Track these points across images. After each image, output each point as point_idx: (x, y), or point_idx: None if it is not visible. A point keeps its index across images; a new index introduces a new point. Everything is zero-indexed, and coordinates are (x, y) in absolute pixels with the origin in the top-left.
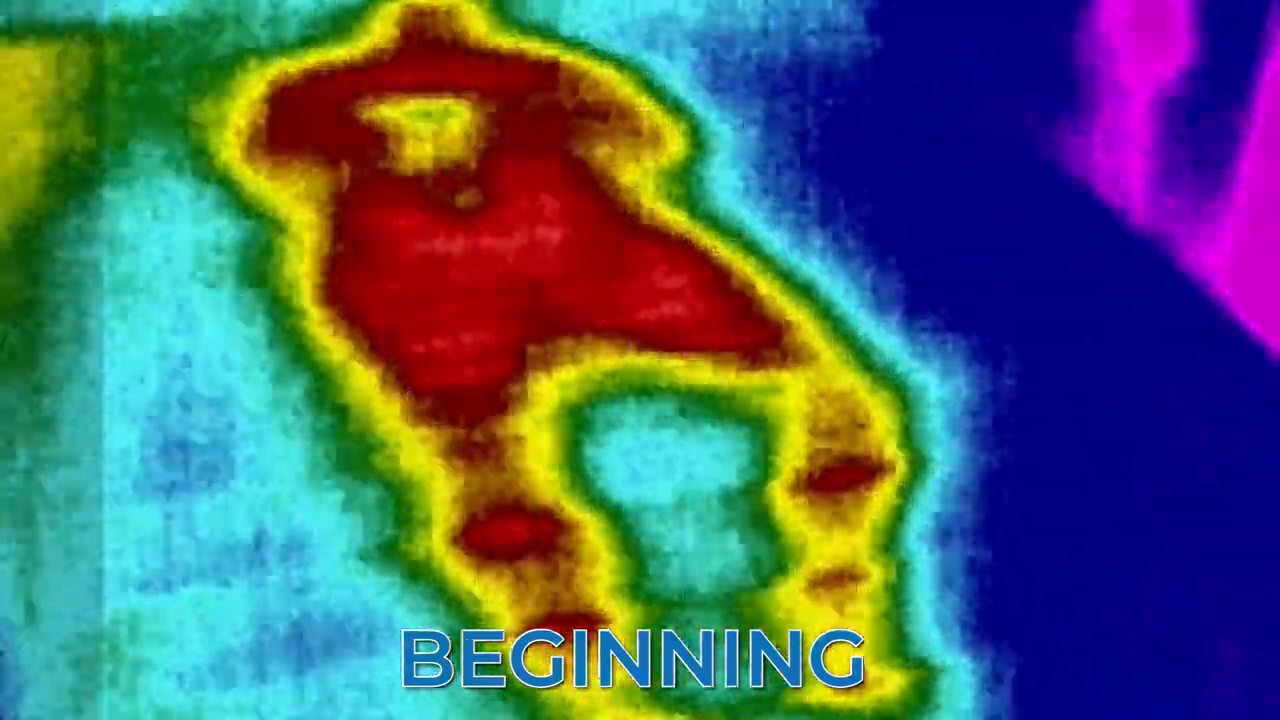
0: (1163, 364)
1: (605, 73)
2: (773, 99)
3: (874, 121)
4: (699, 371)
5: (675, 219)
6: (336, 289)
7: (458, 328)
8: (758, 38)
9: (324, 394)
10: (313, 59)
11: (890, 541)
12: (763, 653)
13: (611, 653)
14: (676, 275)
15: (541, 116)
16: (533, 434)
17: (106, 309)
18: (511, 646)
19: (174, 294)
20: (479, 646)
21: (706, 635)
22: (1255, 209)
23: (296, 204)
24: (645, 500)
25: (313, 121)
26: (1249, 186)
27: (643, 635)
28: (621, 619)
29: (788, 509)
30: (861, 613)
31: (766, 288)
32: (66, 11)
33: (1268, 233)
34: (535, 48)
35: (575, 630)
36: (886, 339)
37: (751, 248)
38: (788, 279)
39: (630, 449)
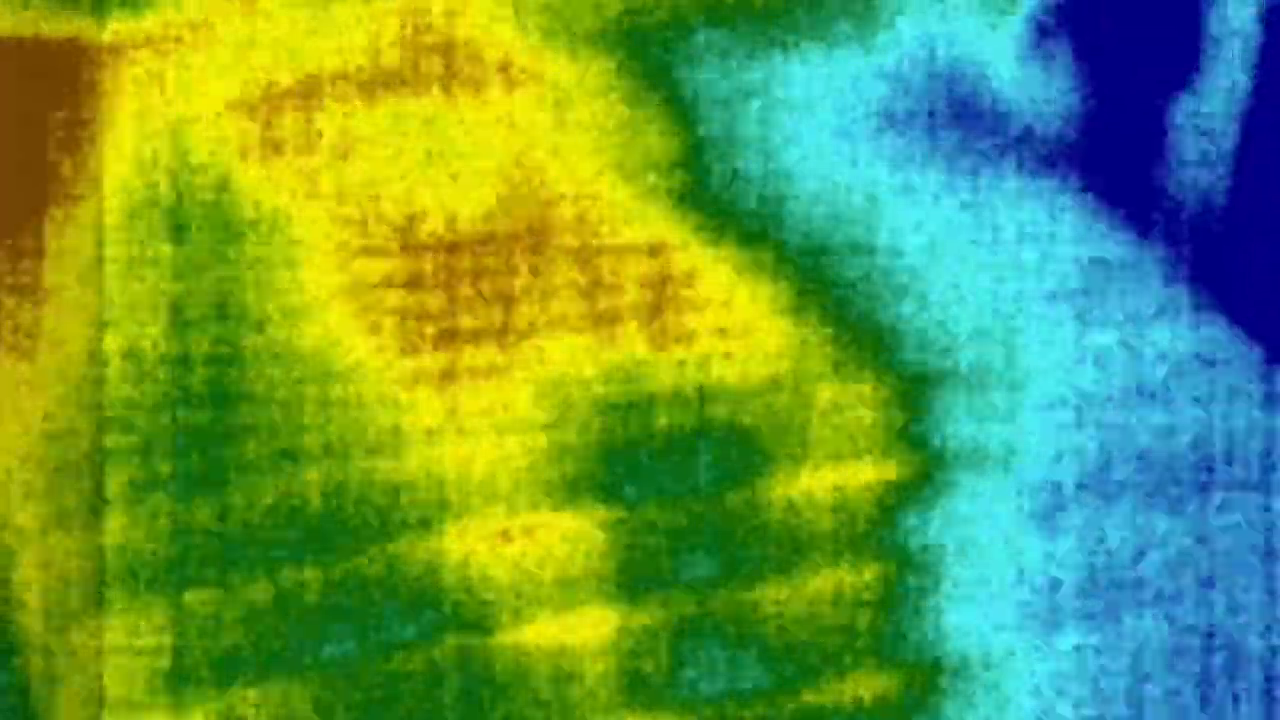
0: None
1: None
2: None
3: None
4: (690, 369)
5: (657, 216)
6: (342, 283)
7: (460, 325)
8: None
9: (341, 390)
10: (309, 60)
11: (893, 539)
12: (763, 652)
13: (612, 650)
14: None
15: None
16: (523, 431)
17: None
18: (512, 644)
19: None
20: (479, 643)
21: (707, 634)
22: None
23: (295, 203)
24: (646, 498)
25: (308, 121)
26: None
27: (643, 634)
28: (623, 617)
29: (784, 508)
30: (862, 611)
31: (758, 285)
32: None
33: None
34: (516, 49)
35: (578, 627)
36: (892, 336)
37: (746, 244)
38: (790, 278)
39: (626, 447)
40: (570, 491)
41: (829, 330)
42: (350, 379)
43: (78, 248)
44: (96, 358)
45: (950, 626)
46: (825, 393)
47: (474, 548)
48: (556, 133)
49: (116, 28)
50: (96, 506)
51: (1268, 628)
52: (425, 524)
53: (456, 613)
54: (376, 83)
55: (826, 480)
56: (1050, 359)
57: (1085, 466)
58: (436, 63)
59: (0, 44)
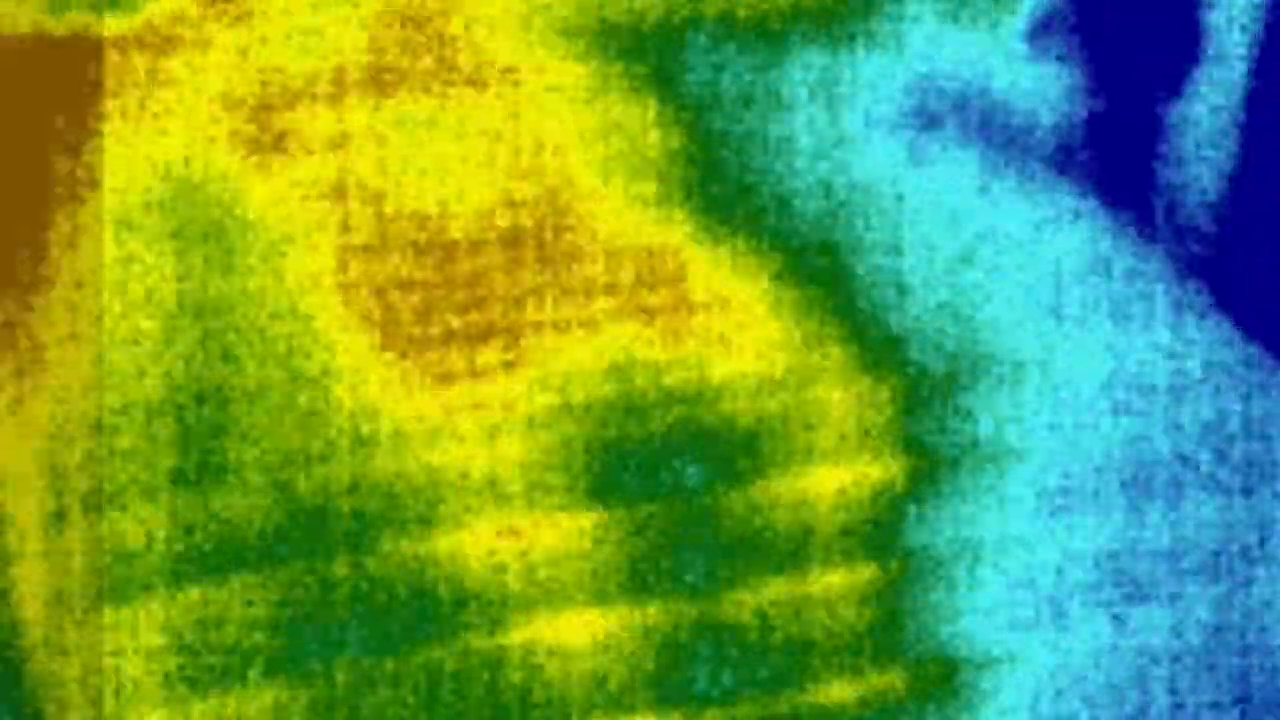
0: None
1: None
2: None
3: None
4: (690, 369)
5: (657, 216)
6: (347, 284)
7: (459, 325)
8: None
9: (340, 390)
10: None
11: (894, 539)
12: (763, 652)
13: (612, 650)
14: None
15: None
16: (522, 431)
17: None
18: (512, 644)
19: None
20: (479, 644)
21: (708, 634)
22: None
23: (294, 202)
24: (645, 498)
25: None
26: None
27: (643, 634)
28: (622, 617)
29: (784, 508)
30: (863, 611)
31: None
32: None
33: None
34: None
35: (577, 627)
36: (893, 336)
37: (746, 244)
38: (793, 279)
39: (626, 447)
40: (569, 491)
41: (829, 330)
42: (349, 379)
43: (81, 248)
44: (96, 357)
45: (952, 626)
46: (825, 392)
47: (473, 548)
48: (556, 132)
49: (113, 24)
50: (96, 506)
51: (1272, 627)
52: (425, 524)
53: (457, 613)
54: (376, 82)
55: (827, 480)
56: (1052, 359)
57: (1088, 466)
58: (436, 62)
59: (3, 41)
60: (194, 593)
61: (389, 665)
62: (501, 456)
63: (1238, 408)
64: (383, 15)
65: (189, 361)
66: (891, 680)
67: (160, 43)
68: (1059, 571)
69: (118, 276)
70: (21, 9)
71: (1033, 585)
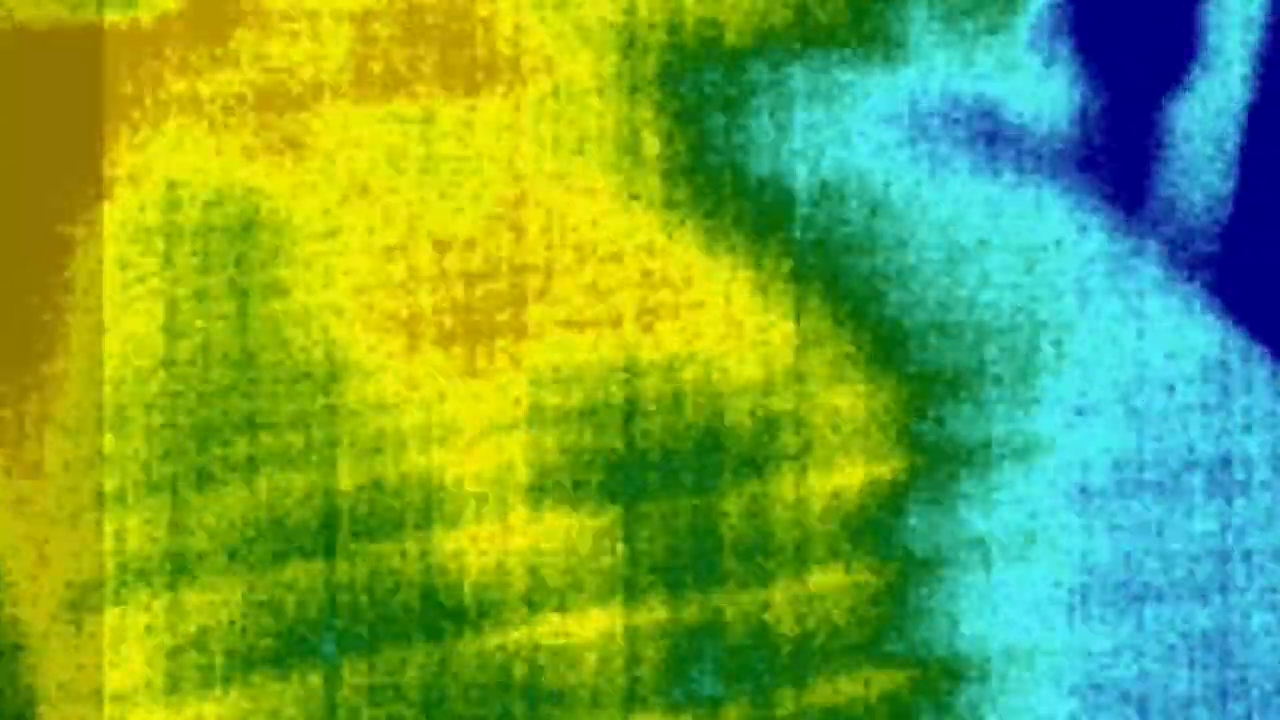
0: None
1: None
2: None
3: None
4: (690, 369)
5: (657, 216)
6: (351, 283)
7: (459, 325)
8: None
9: (340, 391)
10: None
11: (894, 539)
12: (764, 652)
13: (613, 651)
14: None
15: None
16: (522, 431)
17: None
18: (512, 644)
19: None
20: (479, 644)
21: (708, 634)
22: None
23: (294, 203)
24: (645, 498)
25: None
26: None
27: (643, 634)
28: (623, 617)
29: (784, 508)
30: (863, 611)
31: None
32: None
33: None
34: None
35: (578, 627)
36: (892, 336)
37: (746, 245)
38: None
39: (626, 447)
40: (570, 492)
41: (829, 330)
42: (349, 379)
43: (81, 248)
44: (96, 358)
45: (952, 626)
46: (825, 393)
47: (473, 548)
48: (560, 133)
49: (115, 20)
50: (97, 506)
51: None
52: (424, 524)
53: (456, 613)
54: (377, 82)
55: (826, 480)
56: (1052, 359)
57: (1089, 466)
58: (435, 63)
59: (14, 34)
60: (194, 593)
61: (390, 664)
62: (504, 456)
63: (1239, 407)
64: (383, 15)
65: (189, 362)
66: (892, 680)
67: (160, 40)
68: (1059, 571)
69: (118, 277)
70: (19, 1)
71: (1032, 585)
